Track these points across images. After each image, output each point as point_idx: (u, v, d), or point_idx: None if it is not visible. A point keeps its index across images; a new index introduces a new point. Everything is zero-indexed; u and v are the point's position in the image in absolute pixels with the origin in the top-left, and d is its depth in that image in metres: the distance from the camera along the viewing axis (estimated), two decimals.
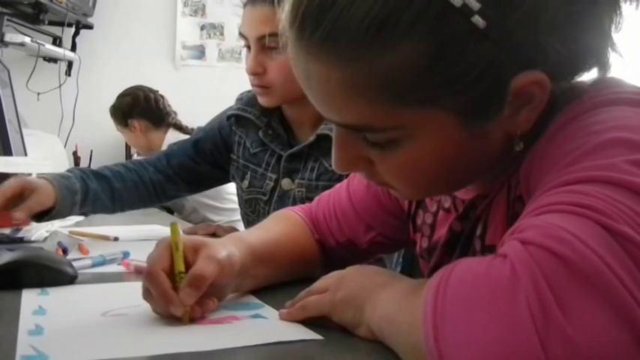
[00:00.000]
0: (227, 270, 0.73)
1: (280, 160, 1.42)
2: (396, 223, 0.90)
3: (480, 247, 0.71)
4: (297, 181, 1.39)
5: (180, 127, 2.92)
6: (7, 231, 1.29)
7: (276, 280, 0.86)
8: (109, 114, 2.98)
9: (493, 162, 0.64)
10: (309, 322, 0.67)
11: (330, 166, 1.32)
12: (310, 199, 1.32)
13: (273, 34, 1.27)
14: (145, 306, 0.72)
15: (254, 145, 1.47)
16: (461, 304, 0.46)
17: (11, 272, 0.83)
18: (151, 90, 2.93)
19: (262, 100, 1.39)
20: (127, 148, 3.45)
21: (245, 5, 1.35)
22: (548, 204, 0.50)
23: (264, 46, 1.31)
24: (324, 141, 1.33)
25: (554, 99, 0.59)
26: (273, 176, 1.43)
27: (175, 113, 2.96)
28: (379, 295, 0.60)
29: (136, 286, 0.84)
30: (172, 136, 2.78)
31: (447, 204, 0.78)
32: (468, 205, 0.73)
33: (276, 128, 1.44)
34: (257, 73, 1.33)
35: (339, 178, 1.29)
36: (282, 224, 0.95)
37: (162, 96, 2.95)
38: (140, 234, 1.39)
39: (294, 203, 1.37)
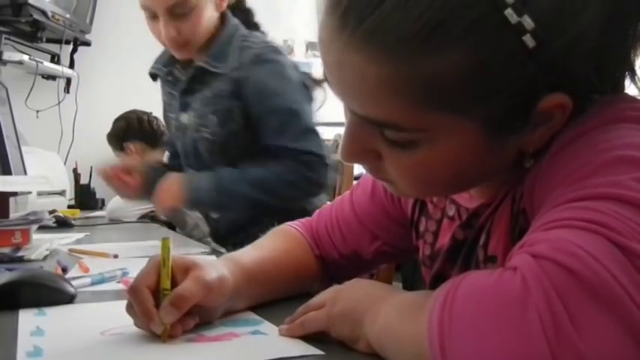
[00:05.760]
0: (216, 292, 0.72)
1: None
2: (400, 231, 0.89)
3: (483, 256, 0.70)
4: (191, 113, 1.65)
5: None
6: (6, 250, 1.29)
7: (273, 297, 0.85)
8: (108, 130, 2.99)
9: (500, 173, 0.65)
10: (309, 337, 0.67)
11: (210, 93, 1.60)
12: (201, 127, 1.63)
13: (182, 2, 1.53)
14: None
15: (166, 97, 1.78)
16: (469, 315, 0.46)
17: (9, 292, 0.83)
18: (144, 112, 2.96)
19: (179, 55, 1.66)
20: None
21: None
22: (559, 219, 0.50)
23: (172, 14, 1.55)
24: (201, 74, 1.62)
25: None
26: (176, 115, 1.71)
27: None
28: (378, 308, 0.60)
29: None
30: None
31: (452, 212, 0.77)
32: (472, 214, 0.73)
33: (178, 75, 1.71)
34: (174, 40, 1.58)
35: (220, 102, 1.59)
36: (279, 241, 0.94)
37: (155, 117, 2.96)
38: (140, 251, 1.39)
39: (191, 137, 1.66)
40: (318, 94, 1.55)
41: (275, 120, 1.55)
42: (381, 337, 0.58)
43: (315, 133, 1.57)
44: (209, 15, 1.61)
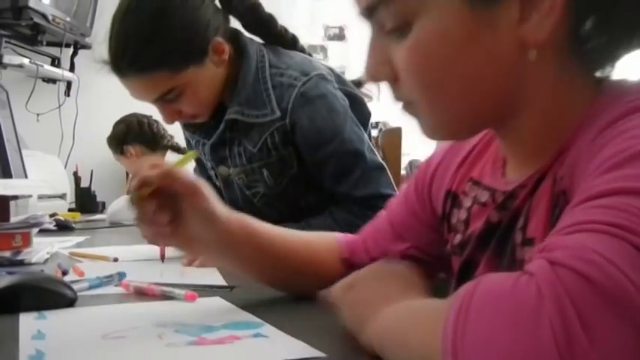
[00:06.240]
0: (181, 183, 0.79)
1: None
2: (431, 235, 0.88)
3: (521, 239, 0.68)
4: (232, 168, 1.44)
5: (177, 149, 2.93)
6: (7, 253, 1.28)
7: (273, 279, 0.88)
8: (109, 133, 3.00)
9: (509, 83, 0.64)
10: (311, 339, 0.67)
11: (253, 147, 1.38)
12: (253, 183, 1.42)
13: (168, 91, 1.32)
14: (146, 328, 0.71)
15: (191, 139, 1.56)
16: (484, 323, 0.45)
17: (9, 296, 0.83)
18: (144, 116, 2.96)
19: (197, 121, 1.45)
20: None
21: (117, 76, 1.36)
22: (580, 222, 0.49)
23: (164, 100, 1.35)
24: (235, 125, 1.39)
25: (596, 89, 0.60)
26: (211, 164, 1.51)
27: (172, 136, 2.97)
28: (382, 310, 0.60)
29: (136, 308, 0.84)
30: (172, 159, 2.78)
31: (484, 198, 0.75)
32: (508, 196, 0.71)
33: (199, 123, 1.48)
34: (179, 120, 1.41)
35: (269, 155, 1.37)
36: (307, 234, 0.95)
37: (156, 120, 2.96)
38: (140, 254, 1.38)
39: (241, 190, 1.45)
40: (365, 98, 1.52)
41: (334, 166, 1.37)
42: (383, 339, 0.58)
43: (379, 170, 1.39)
44: (209, 77, 1.37)
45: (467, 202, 0.79)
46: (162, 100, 1.35)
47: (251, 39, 1.44)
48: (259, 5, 1.46)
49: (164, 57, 1.28)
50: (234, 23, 1.46)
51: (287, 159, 1.39)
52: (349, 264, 0.91)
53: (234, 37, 1.41)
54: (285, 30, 1.50)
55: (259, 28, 1.46)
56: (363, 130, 1.40)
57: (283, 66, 1.39)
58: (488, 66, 0.63)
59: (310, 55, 1.55)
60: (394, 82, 0.67)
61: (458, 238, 0.80)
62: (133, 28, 1.29)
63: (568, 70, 0.64)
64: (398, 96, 0.68)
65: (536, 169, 0.67)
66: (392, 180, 1.39)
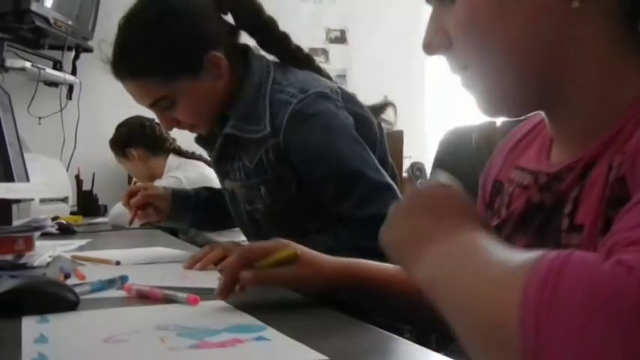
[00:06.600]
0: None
1: None
2: None
3: (568, 225, 0.65)
4: (235, 182, 1.44)
5: (180, 152, 2.93)
6: (9, 257, 1.28)
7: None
8: (111, 136, 3.00)
9: (556, 47, 0.63)
10: (313, 342, 0.67)
11: (250, 163, 1.37)
12: (252, 199, 1.41)
13: (160, 99, 1.36)
14: (148, 331, 0.71)
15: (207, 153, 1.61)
16: (579, 311, 0.41)
17: (12, 300, 0.83)
18: (147, 119, 2.96)
19: (198, 133, 1.51)
20: None
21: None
22: None
23: (159, 107, 1.39)
24: (235, 139, 1.38)
25: None
26: (219, 178, 1.54)
27: (174, 139, 2.97)
28: (422, 252, 0.56)
29: (138, 311, 0.84)
30: (174, 161, 2.78)
31: (527, 181, 0.73)
32: (553, 177, 0.68)
33: (206, 137, 1.51)
34: (177, 127, 1.44)
35: (265, 172, 1.35)
36: None
37: (158, 124, 2.96)
38: (143, 257, 1.38)
39: (243, 205, 1.45)
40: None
41: (334, 186, 1.32)
42: (435, 291, 0.53)
43: (385, 190, 1.32)
44: (204, 89, 1.37)
45: (510, 187, 0.77)
46: (157, 107, 1.38)
47: (261, 56, 1.44)
48: (272, 23, 1.46)
49: (157, 64, 1.32)
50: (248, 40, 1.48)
51: (284, 178, 1.36)
52: None
53: (242, 52, 1.42)
54: (299, 49, 1.49)
55: (273, 46, 1.46)
56: (368, 150, 1.35)
57: (285, 83, 1.38)
58: (534, 20, 0.63)
59: (328, 77, 1.51)
60: (448, 49, 0.68)
61: (497, 220, 0.77)
62: (132, 33, 1.35)
63: (620, 47, 0.63)
64: (453, 65, 0.70)
65: (585, 151, 0.64)
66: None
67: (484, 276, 0.48)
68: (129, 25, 1.36)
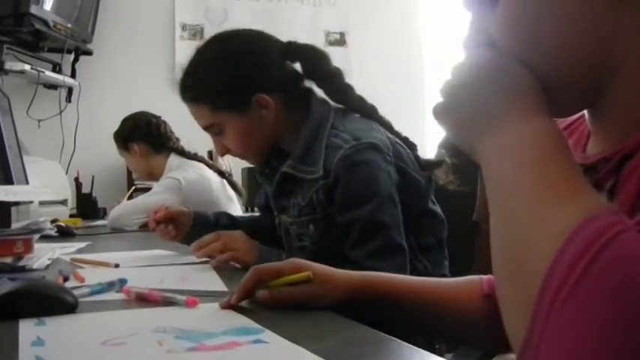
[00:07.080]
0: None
1: None
2: None
3: None
4: (290, 219, 1.48)
5: (182, 152, 2.92)
6: (8, 259, 1.29)
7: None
8: (110, 139, 2.99)
9: (601, 38, 0.61)
10: (311, 345, 0.67)
11: (302, 200, 1.42)
12: (302, 236, 1.46)
13: (210, 125, 1.47)
14: (146, 334, 0.71)
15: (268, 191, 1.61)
16: (616, 282, 0.42)
17: (10, 302, 0.83)
18: (154, 116, 2.95)
19: (250, 163, 1.62)
20: (129, 174, 3.44)
21: None
22: None
23: (211, 132, 1.50)
24: (291, 177, 1.44)
25: None
26: (275, 212, 1.57)
27: (178, 139, 2.97)
28: (485, 134, 0.58)
29: (136, 314, 0.84)
30: (175, 161, 2.78)
31: None
32: (587, 168, 0.67)
33: (268, 173, 1.55)
34: (227, 154, 1.54)
35: (314, 210, 1.40)
36: (452, 280, 0.94)
37: (164, 122, 2.95)
38: (141, 260, 1.38)
39: (295, 241, 1.49)
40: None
41: (357, 230, 1.35)
42: (487, 176, 0.55)
43: (399, 252, 1.35)
44: (251, 126, 1.46)
45: None
46: (209, 131, 1.50)
47: (324, 100, 1.52)
48: (338, 75, 1.52)
49: (209, 95, 1.47)
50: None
51: (332, 218, 1.40)
52: (492, 299, 0.84)
53: (304, 95, 1.51)
54: (362, 99, 1.55)
55: (336, 95, 1.52)
56: (399, 208, 1.38)
57: (341, 128, 1.43)
58: (579, 13, 0.61)
59: (389, 126, 1.54)
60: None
61: None
62: (198, 62, 1.49)
63: None
64: None
65: (624, 144, 0.63)
66: (407, 265, 1.36)
67: (536, 206, 0.49)
68: (199, 54, 1.50)
